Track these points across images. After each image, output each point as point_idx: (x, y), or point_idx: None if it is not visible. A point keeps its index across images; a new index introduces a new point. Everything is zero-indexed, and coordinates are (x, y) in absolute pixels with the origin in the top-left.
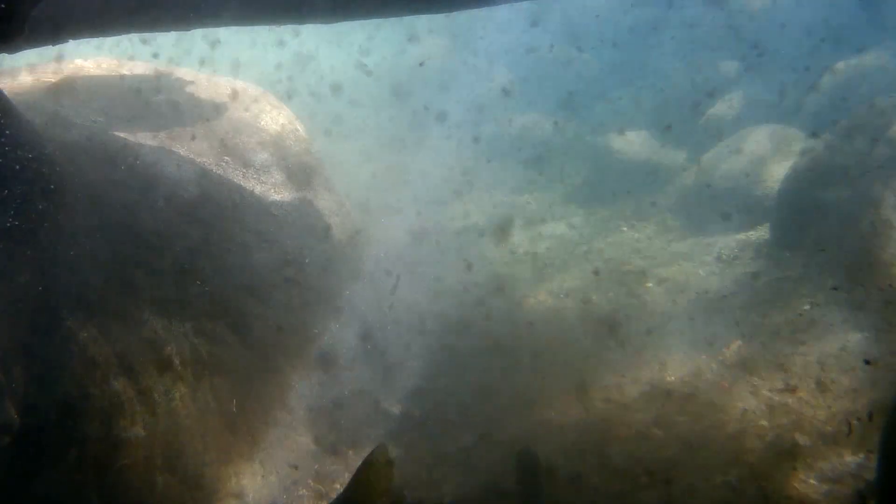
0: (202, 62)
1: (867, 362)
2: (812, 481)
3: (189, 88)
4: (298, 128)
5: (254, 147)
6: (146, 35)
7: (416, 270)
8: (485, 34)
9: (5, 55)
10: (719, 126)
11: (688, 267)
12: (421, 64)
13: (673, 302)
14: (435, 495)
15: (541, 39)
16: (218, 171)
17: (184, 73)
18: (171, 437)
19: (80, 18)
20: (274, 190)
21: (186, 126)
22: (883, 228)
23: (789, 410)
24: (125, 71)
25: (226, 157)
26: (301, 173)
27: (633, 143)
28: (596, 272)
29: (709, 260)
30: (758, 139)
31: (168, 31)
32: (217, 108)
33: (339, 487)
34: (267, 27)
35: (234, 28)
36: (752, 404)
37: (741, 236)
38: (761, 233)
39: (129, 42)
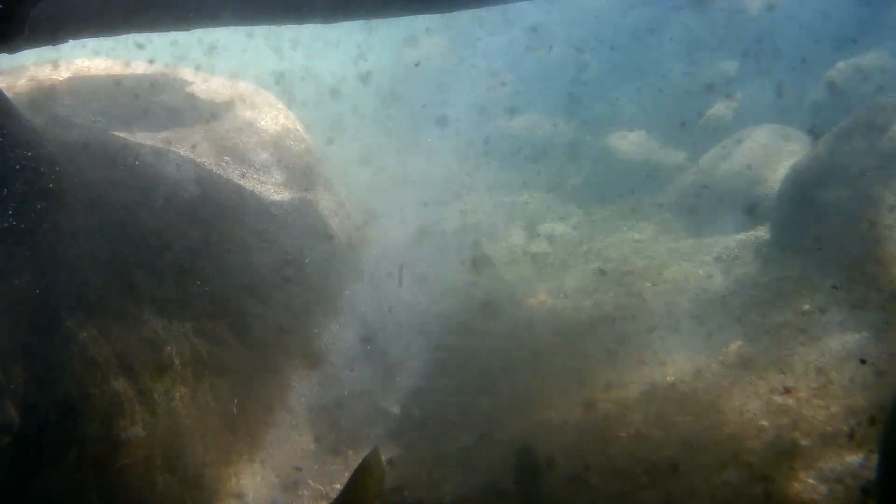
0: (198, 67)
1: (863, 362)
2: (812, 481)
3: (189, 89)
4: (298, 128)
5: (254, 147)
6: (146, 35)
7: (415, 270)
8: (485, 34)
9: (5, 55)
10: (719, 126)
11: (688, 267)
12: (417, 64)
13: (673, 302)
14: (435, 495)
15: (540, 40)
16: (218, 171)
17: (184, 73)
18: (171, 437)
19: (80, 18)
20: (274, 190)
21: (186, 126)
22: (883, 228)
23: (789, 410)
24: (125, 72)
25: (226, 157)
26: (301, 173)
27: (633, 143)
28: (596, 272)
29: (709, 260)
30: (758, 139)
31: (168, 31)
32: (217, 109)
33: (339, 487)
34: (266, 27)
35: (233, 28)
36: (752, 404)
37: (741, 236)
38: (761, 233)
39: (128, 43)
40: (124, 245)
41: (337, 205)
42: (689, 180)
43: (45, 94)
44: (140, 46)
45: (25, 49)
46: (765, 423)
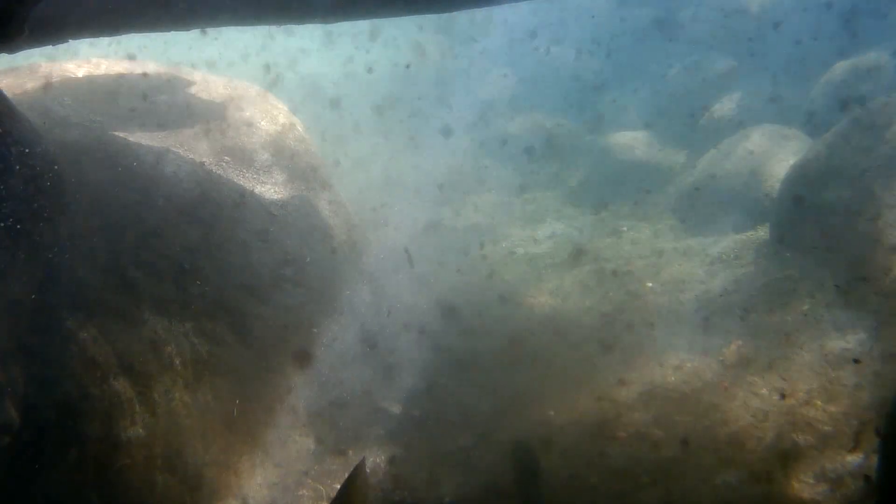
0: (193, 64)
1: (856, 361)
2: (812, 481)
3: (189, 88)
4: (298, 128)
5: (254, 147)
6: (145, 36)
7: (415, 271)
8: (484, 34)
9: (5, 55)
10: (719, 126)
11: (688, 267)
12: (408, 66)
13: (673, 302)
14: (435, 495)
15: (540, 40)
16: (218, 171)
17: (184, 73)
18: (171, 437)
19: (81, 18)
20: (274, 190)
21: (186, 126)
22: (883, 228)
23: (789, 410)
24: (125, 71)
25: (226, 157)
26: (301, 173)
27: (633, 143)
28: (596, 272)
29: (709, 260)
30: (758, 139)
31: (168, 30)
32: (217, 108)
33: (339, 487)
34: (265, 26)
35: (232, 28)
36: (751, 404)
37: (741, 236)
38: (761, 233)
39: (128, 43)
40: (124, 245)
41: (337, 205)
42: (689, 180)
43: (45, 94)
44: (142, 48)
45: (25, 49)
46: (765, 423)
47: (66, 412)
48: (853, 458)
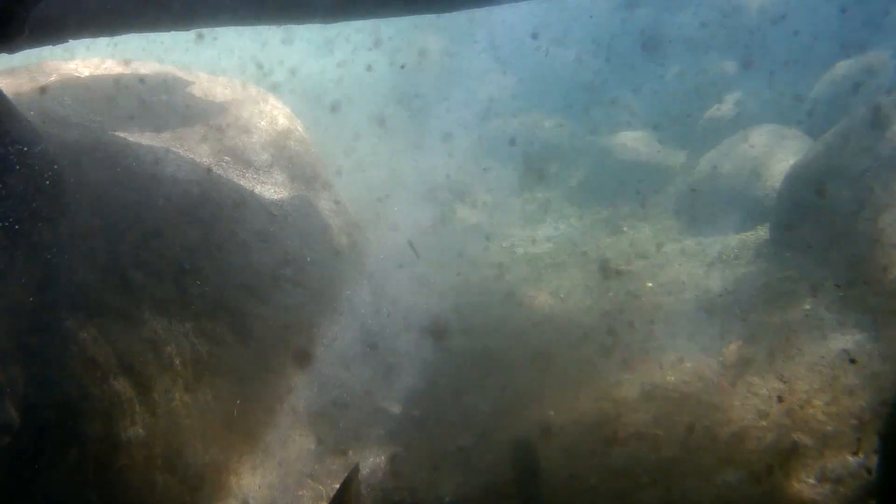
0: (190, 66)
1: (852, 361)
2: (812, 481)
3: (189, 88)
4: (298, 128)
5: (254, 147)
6: (145, 36)
7: (416, 271)
8: (484, 35)
9: (5, 55)
10: (719, 126)
11: (688, 267)
12: (402, 66)
13: (673, 302)
14: (435, 495)
15: (540, 40)
16: (218, 171)
17: (184, 73)
18: (171, 437)
19: (81, 18)
20: (274, 190)
21: (186, 126)
22: (883, 228)
23: (789, 410)
24: (125, 71)
25: (226, 157)
26: (301, 173)
27: (633, 143)
28: (596, 272)
29: (709, 260)
30: (758, 139)
31: (168, 30)
32: (217, 108)
33: (336, 489)
34: (264, 26)
35: (231, 29)
36: (751, 404)
37: (741, 236)
38: (761, 233)
39: (128, 43)
40: (124, 245)
41: (337, 205)
42: (689, 180)
43: (45, 95)
44: (141, 49)
45: (25, 49)
46: (764, 423)
47: (66, 412)
48: (853, 458)
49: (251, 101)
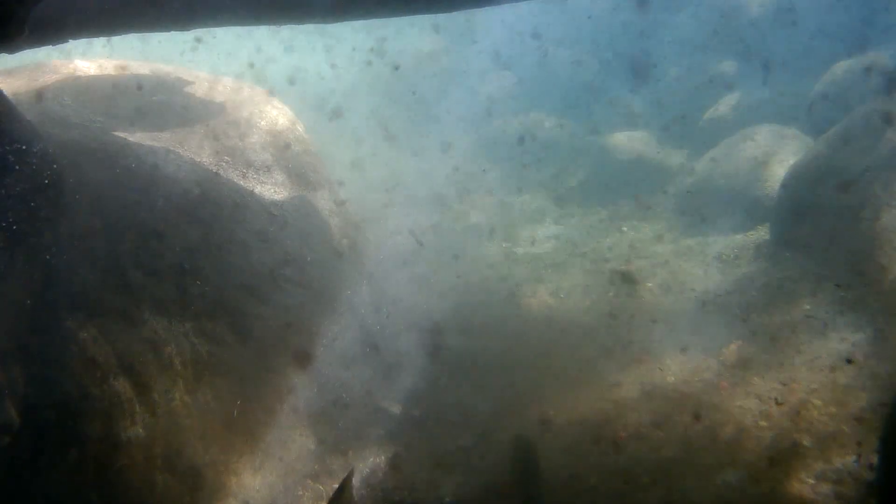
0: (187, 62)
1: (849, 361)
2: (812, 481)
3: (189, 88)
4: (298, 128)
5: (254, 147)
6: (145, 36)
7: (416, 271)
8: (485, 35)
9: (5, 55)
10: (719, 126)
11: (688, 267)
12: (396, 68)
13: (673, 302)
14: (435, 495)
15: (540, 40)
16: (218, 171)
17: (184, 73)
18: (171, 437)
19: (81, 18)
20: (274, 190)
21: (186, 126)
22: (882, 228)
23: (789, 410)
24: (124, 72)
25: (226, 157)
26: (301, 173)
27: (633, 143)
28: (596, 272)
29: (709, 260)
30: (758, 139)
31: (168, 30)
32: (217, 108)
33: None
34: (264, 26)
35: (231, 27)
36: (751, 404)
37: (741, 236)
38: (761, 233)
39: (128, 43)
40: (124, 245)
41: (337, 205)
42: (690, 180)
43: (45, 94)
44: (141, 50)
45: (25, 49)
46: (764, 423)
47: (66, 412)
48: (853, 459)
49: (251, 101)
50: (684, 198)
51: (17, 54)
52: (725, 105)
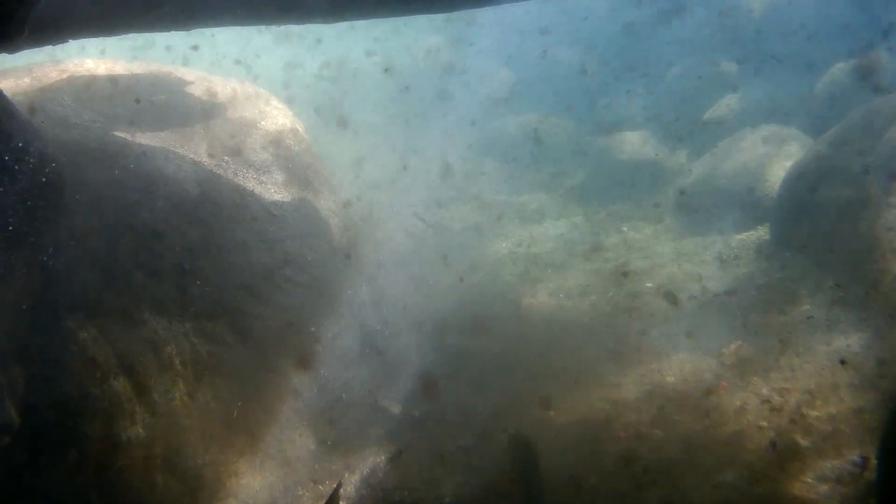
0: (185, 61)
1: (843, 362)
2: (812, 481)
3: (189, 88)
4: (298, 128)
5: (254, 147)
6: (145, 36)
7: (416, 271)
8: (485, 35)
9: (5, 55)
10: (719, 126)
11: (688, 267)
12: (386, 70)
13: (673, 302)
14: (435, 495)
15: (541, 40)
16: (218, 171)
17: (184, 73)
18: (171, 437)
19: (81, 18)
20: (274, 190)
21: (186, 126)
22: (882, 228)
23: (789, 410)
24: (124, 71)
25: (226, 157)
26: (301, 173)
27: (633, 143)
28: (596, 272)
29: (709, 260)
30: (758, 139)
31: (168, 30)
32: (217, 108)
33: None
34: (264, 27)
35: (231, 27)
36: (751, 404)
37: (741, 236)
38: (761, 233)
39: (128, 43)
40: (124, 245)
41: (337, 204)
42: (690, 180)
43: (45, 94)
44: (140, 50)
45: (25, 49)
46: (764, 423)
47: (66, 412)
48: (853, 459)
49: (251, 101)
50: (684, 198)
51: (16, 54)
52: (725, 105)
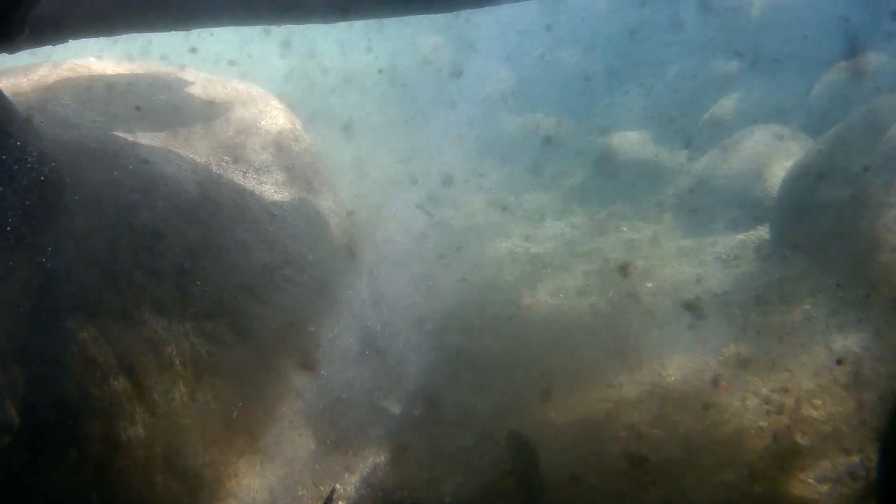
0: (182, 62)
1: (838, 362)
2: (812, 481)
3: (189, 88)
4: (298, 128)
5: (254, 147)
6: (145, 36)
7: (416, 270)
8: (485, 35)
9: (5, 55)
10: (719, 126)
11: (688, 267)
12: (380, 71)
13: (673, 302)
14: (435, 495)
15: (541, 40)
16: (218, 171)
17: (184, 73)
18: (171, 437)
19: (81, 18)
20: (274, 190)
21: (186, 126)
22: (882, 228)
23: (789, 410)
24: (125, 71)
25: (226, 157)
26: (301, 173)
27: (633, 143)
28: (596, 272)
29: (709, 260)
30: (758, 139)
31: (168, 30)
32: (217, 109)
33: (338, 487)
34: (264, 27)
35: (231, 28)
36: (751, 404)
37: (741, 236)
38: (761, 233)
39: (128, 43)
40: (124, 245)
41: (337, 204)
42: (690, 180)
43: (45, 94)
44: (139, 50)
45: (25, 49)
46: (764, 423)
47: (66, 412)
48: (853, 458)
49: (251, 100)
50: (684, 198)
51: (16, 54)
52: (725, 105)
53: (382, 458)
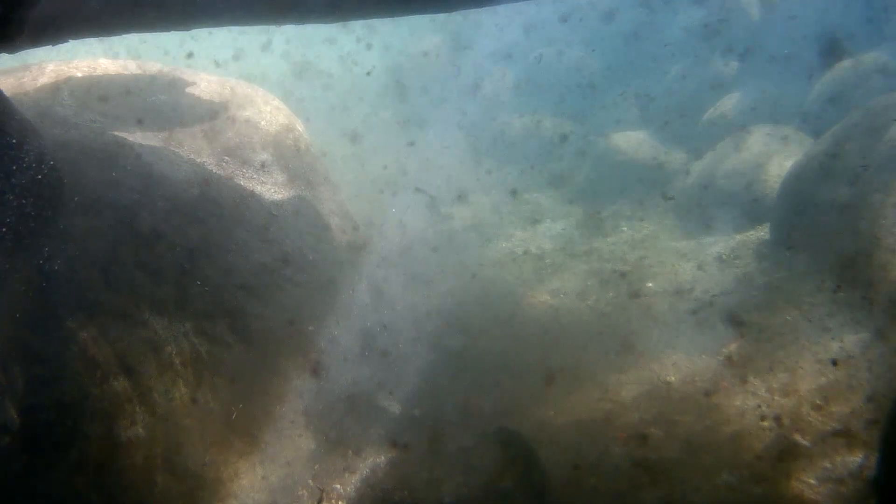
0: (182, 62)
1: (834, 363)
2: (812, 481)
3: (189, 88)
4: (298, 128)
5: (254, 147)
6: (146, 36)
7: (416, 271)
8: (484, 35)
9: (6, 55)
10: (719, 126)
11: (688, 267)
12: (368, 73)
13: (673, 302)
14: (435, 495)
15: (540, 40)
16: (218, 171)
17: (183, 73)
18: (171, 437)
19: (81, 18)
20: (274, 190)
21: (186, 126)
22: (882, 228)
23: (789, 410)
24: (125, 71)
25: (226, 157)
26: (301, 173)
27: (633, 143)
28: (596, 272)
29: (709, 260)
30: (758, 139)
31: (168, 30)
32: (217, 108)
33: (338, 487)
34: (264, 27)
35: (231, 27)
36: (751, 404)
37: (741, 236)
38: (761, 233)
39: (129, 42)
40: (124, 245)
41: (337, 204)
42: (690, 180)
43: (45, 94)
44: (140, 49)
45: (26, 49)
46: (764, 423)
47: (66, 412)
48: (853, 458)
49: (251, 100)
50: (684, 198)
51: (16, 54)
52: (725, 105)
53: (382, 458)
